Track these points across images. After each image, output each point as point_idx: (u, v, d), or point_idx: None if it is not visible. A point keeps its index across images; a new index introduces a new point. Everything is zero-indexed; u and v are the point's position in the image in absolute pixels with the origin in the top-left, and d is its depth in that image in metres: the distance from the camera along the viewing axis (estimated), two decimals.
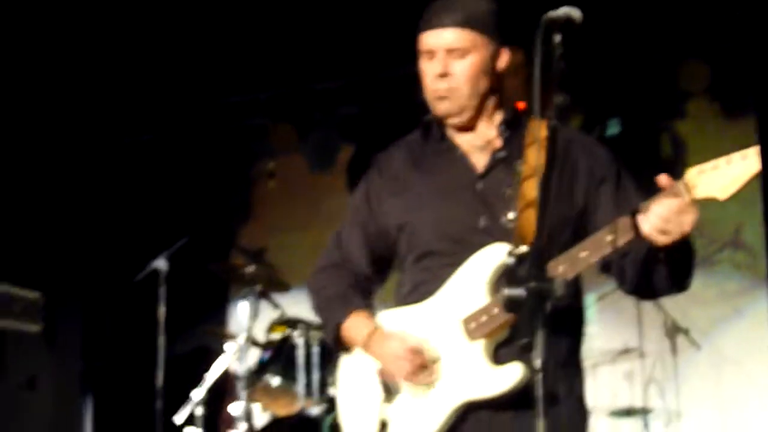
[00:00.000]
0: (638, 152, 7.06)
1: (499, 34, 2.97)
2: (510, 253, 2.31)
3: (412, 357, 2.88)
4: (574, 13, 2.49)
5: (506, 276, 2.26)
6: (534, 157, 2.78)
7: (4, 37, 6.63)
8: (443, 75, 2.94)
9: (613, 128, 7.27)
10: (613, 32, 6.86)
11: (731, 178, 2.59)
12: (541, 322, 2.15)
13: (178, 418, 6.12)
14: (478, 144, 3.03)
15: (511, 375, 2.76)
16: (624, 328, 7.13)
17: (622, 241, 2.70)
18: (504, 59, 2.98)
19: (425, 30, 2.97)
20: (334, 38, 7.10)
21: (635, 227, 2.67)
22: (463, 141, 3.05)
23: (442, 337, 2.90)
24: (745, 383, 6.85)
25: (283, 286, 6.53)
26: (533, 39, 2.45)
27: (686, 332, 6.93)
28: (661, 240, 2.64)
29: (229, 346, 6.23)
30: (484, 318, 2.81)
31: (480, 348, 2.83)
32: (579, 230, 2.91)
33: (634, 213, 2.68)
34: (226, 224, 8.52)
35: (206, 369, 6.18)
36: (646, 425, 6.90)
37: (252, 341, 6.13)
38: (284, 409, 6.19)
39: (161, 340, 6.58)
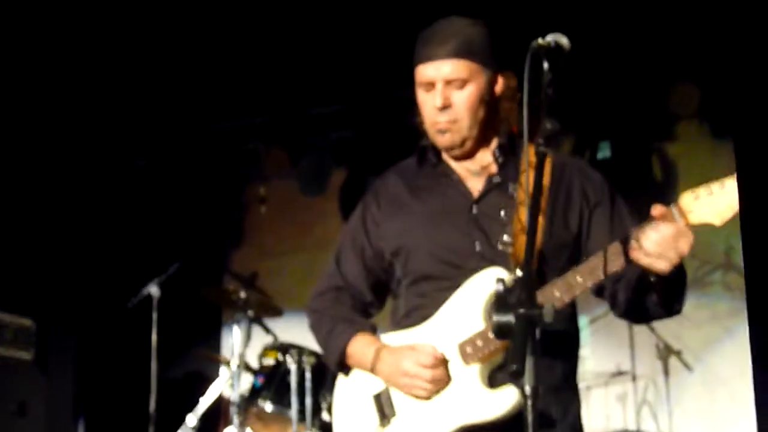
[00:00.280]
0: (629, 175, 7.07)
1: (494, 61, 2.98)
2: (498, 280, 2.31)
3: (425, 371, 2.89)
4: (563, 40, 2.50)
5: (496, 302, 2.27)
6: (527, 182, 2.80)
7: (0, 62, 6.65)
8: (444, 107, 2.95)
9: (604, 151, 7.29)
10: (603, 55, 6.89)
11: (726, 203, 2.60)
12: (530, 348, 2.15)
13: None
14: (474, 169, 3.05)
15: (506, 399, 2.77)
16: (616, 350, 7.13)
17: (614, 268, 2.72)
18: (500, 85, 3.00)
19: (422, 62, 2.98)
20: (326, 63, 7.12)
21: (626, 254, 2.69)
22: (459, 166, 3.07)
23: None
24: (737, 405, 6.84)
25: (276, 312, 6.53)
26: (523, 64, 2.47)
27: (678, 354, 6.94)
28: (659, 266, 2.65)
29: (222, 372, 6.23)
30: (479, 342, 2.83)
31: (476, 372, 2.84)
32: (574, 255, 2.93)
33: (625, 239, 2.70)
34: (219, 249, 8.51)
35: (199, 394, 6.17)
36: None
37: (245, 366, 6.13)
38: None
39: (154, 366, 6.56)
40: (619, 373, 7.03)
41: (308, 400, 5.90)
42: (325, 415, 6.02)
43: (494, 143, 3.04)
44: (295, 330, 5.53)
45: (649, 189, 7.08)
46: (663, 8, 6.30)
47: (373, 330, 3.14)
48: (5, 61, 6.64)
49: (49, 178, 7.72)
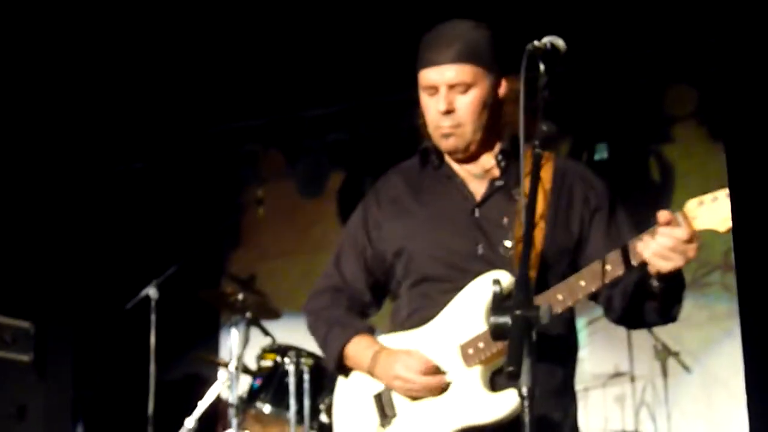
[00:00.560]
0: (626, 177, 7.08)
1: (497, 64, 2.98)
2: (495, 281, 2.31)
3: (416, 376, 2.89)
4: (558, 42, 2.51)
5: (493, 303, 2.27)
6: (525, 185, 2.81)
7: None
8: (448, 112, 2.95)
9: (601, 153, 7.29)
10: (600, 57, 6.90)
11: (730, 208, 2.61)
12: (527, 350, 2.15)
13: None
14: (477, 172, 3.05)
15: (507, 402, 2.77)
16: (614, 351, 7.13)
17: (616, 273, 2.72)
18: (504, 89, 3.00)
19: (426, 66, 2.97)
20: (323, 65, 7.13)
21: (628, 259, 2.70)
22: (462, 168, 3.07)
23: (440, 362, 2.91)
24: (735, 405, 6.84)
25: (274, 314, 6.53)
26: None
27: (677, 355, 6.94)
28: (663, 266, 2.66)
29: (220, 374, 6.23)
30: (481, 344, 2.83)
31: (477, 374, 2.85)
32: (574, 260, 2.94)
33: (628, 245, 2.71)
34: (217, 251, 8.51)
35: (197, 396, 6.17)
36: None
37: (243, 368, 6.13)
38: None
39: (152, 368, 6.55)
40: (618, 375, 7.03)
41: (306, 402, 5.89)
42: (323, 417, 6.01)
43: (497, 147, 3.04)
44: (294, 332, 5.52)
45: (646, 191, 7.08)
46: (659, 10, 6.30)
47: (372, 331, 3.13)
48: (2, 64, 6.64)
49: (46, 180, 7.72)
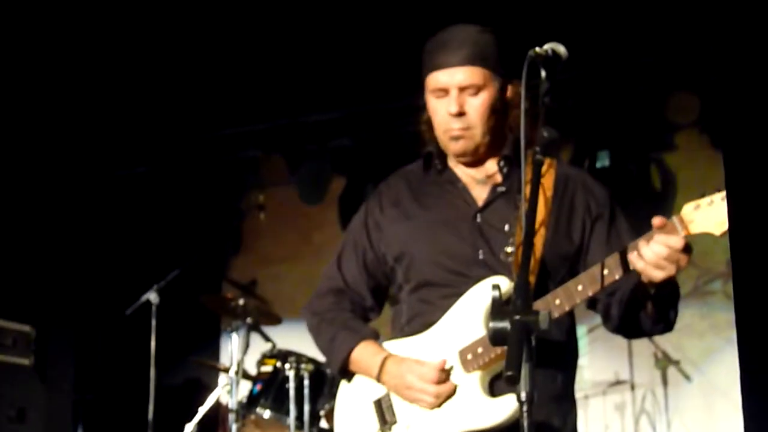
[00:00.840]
0: (628, 184, 7.07)
1: (503, 69, 2.98)
2: (494, 287, 2.31)
3: (429, 386, 2.88)
4: (560, 48, 2.51)
5: (492, 309, 2.27)
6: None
7: None
8: (459, 114, 2.95)
9: (603, 160, 7.29)
10: (601, 65, 6.90)
11: (726, 214, 2.61)
12: (526, 355, 2.15)
13: None
14: (480, 177, 3.05)
15: (506, 407, 2.77)
16: (615, 359, 7.13)
17: (614, 277, 2.72)
18: (510, 93, 2.99)
19: (435, 69, 2.96)
20: (326, 71, 7.13)
21: (624, 264, 2.70)
22: (465, 173, 3.07)
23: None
24: (736, 414, 6.81)
25: (275, 319, 6.54)
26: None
27: (677, 364, 6.93)
28: (656, 275, 2.66)
29: (220, 379, 6.23)
30: (480, 349, 2.83)
31: (476, 379, 2.84)
32: (574, 267, 2.93)
33: (626, 250, 2.71)
34: (218, 257, 8.51)
35: (197, 401, 6.17)
36: None
37: (243, 374, 6.13)
38: None
39: (152, 373, 6.55)
40: (618, 383, 7.03)
41: (306, 408, 5.89)
42: (323, 423, 6.02)
43: (502, 152, 3.04)
44: (294, 337, 5.52)
45: (647, 198, 7.07)
46: (661, 18, 6.31)
47: (377, 336, 3.13)
48: (4, 68, 6.65)
49: (48, 185, 7.73)
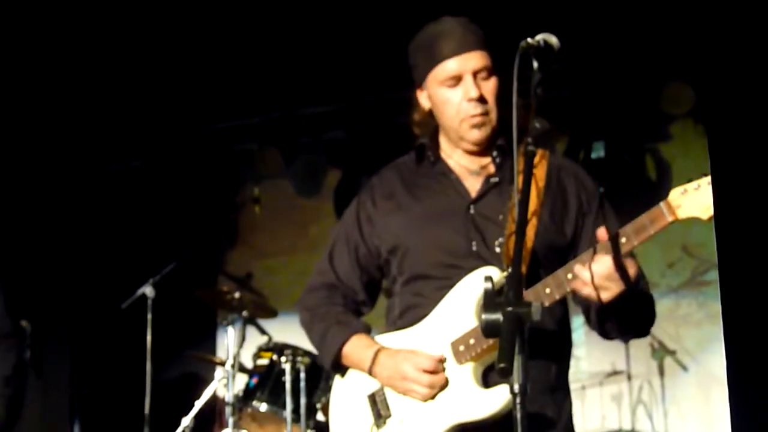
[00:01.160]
0: (623, 175, 7.07)
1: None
2: (487, 278, 2.30)
3: (424, 376, 2.88)
4: (552, 39, 2.50)
5: (485, 300, 2.26)
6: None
7: None
8: (481, 98, 2.92)
9: (598, 151, 7.29)
10: (596, 56, 6.89)
11: (712, 198, 2.60)
12: (519, 346, 2.14)
13: None
14: (473, 168, 3.04)
15: (499, 398, 2.77)
16: (611, 350, 7.13)
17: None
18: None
19: (445, 58, 2.93)
20: (320, 63, 7.12)
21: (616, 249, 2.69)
22: (458, 165, 3.06)
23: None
24: None
25: (271, 312, 6.53)
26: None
27: (673, 354, 6.94)
28: (602, 296, 2.66)
29: (216, 373, 6.22)
30: (472, 341, 2.82)
31: (469, 371, 2.84)
32: (568, 259, 2.92)
33: (616, 235, 2.70)
34: (213, 250, 8.51)
35: (194, 395, 6.16)
36: None
37: (239, 367, 6.12)
38: None
39: (148, 367, 6.54)
40: (615, 373, 7.03)
41: (303, 401, 5.89)
42: (319, 416, 6.01)
43: (498, 142, 3.02)
44: (290, 330, 5.50)
45: (643, 189, 7.07)
46: (655, 8, 6.30)
47: (368, 330, 3.12)
48: None
49: (43, 179, 7.72)
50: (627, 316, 2.80)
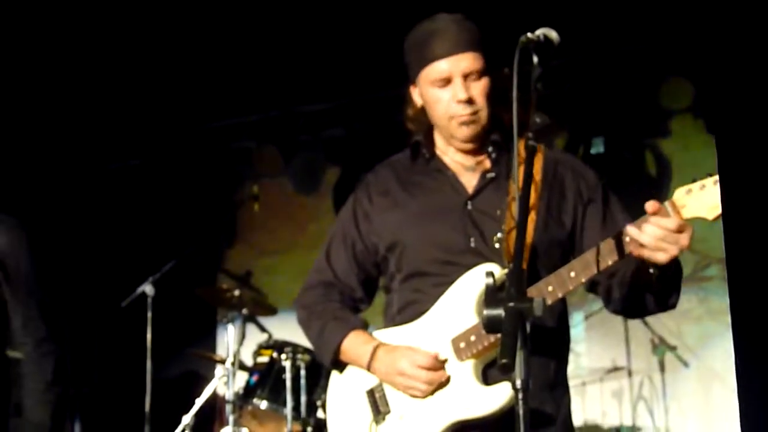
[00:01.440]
0: (623, 170, 7.07)
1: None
2: (488, 274, 2.29)
3: (422, 372, 2.87)
4: (552, 34, 2.49)
5: (486, 296, 2.25)
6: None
7: None
8: (469, 101, 2.93)
9: (597, 147, 7.29)
10: (595, 51, 6.89)
11: (718, 198, 2.59)
12: (520, 342, 2.14)
13: None
14: (469, 164, 3.03)
15: (500, 395, 2.76)
16: (612, 346, 7.13)
17: (607, 263, 2.70)
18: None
19: (435, 59, 2.94)
20: (318, 61, 7.12)
21: (620, 249, 2.68)
22: (453, 161, 3.05)
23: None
24: (733, 399, 6.83)
25: (270, 310, 6.53)
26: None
27: (674, 350, 6.94)
28: (659, 257, 2.64)
29: (217, 370, 6.22)
30: (472, 338, 2.82)
31: (470, 368, 2.83)
32: (568, 252, 2.92)
33: (619, 234, 2.69)
34: (213, 248, 8.50)
35: (194, 393, 6.16)
36: None
37: (239, 365, 6.12)
38: None
39: (149, 365, 6.54)
40: (615, 369, 7.03)
41: (303, 398, 5.90)
42: (320, 413, 6.01)
43: (492, 138, 3.02)
44: (290, 328, 5.49)
45: (642, 185, 7.07)
46: (655, 3, 6.29)
47: (365, 326, 3.12)
48: None
49: (42, 178, 7.71)
50: (669, 285, 2.79)
